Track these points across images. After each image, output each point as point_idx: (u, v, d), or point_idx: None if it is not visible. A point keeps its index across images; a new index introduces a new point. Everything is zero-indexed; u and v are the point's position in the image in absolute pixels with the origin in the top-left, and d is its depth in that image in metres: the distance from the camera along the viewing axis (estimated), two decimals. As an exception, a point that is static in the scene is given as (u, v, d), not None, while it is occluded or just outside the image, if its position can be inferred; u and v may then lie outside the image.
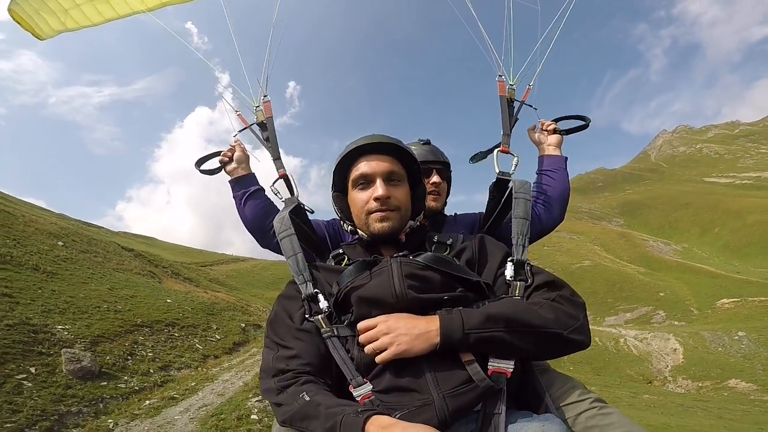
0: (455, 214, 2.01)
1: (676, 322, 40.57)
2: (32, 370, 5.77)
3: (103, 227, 36.85)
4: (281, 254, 1.63)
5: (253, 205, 1.81)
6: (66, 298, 9.15)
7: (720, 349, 27.14)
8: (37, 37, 2.44)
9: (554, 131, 1.93)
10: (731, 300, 42.29)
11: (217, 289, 26.66)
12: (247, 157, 1.94)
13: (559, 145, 1.92)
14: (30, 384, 5.45)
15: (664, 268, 59.29)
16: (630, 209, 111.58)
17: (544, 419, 1.11)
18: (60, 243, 14.29)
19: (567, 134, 1.95)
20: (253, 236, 1.82)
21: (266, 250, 1.83)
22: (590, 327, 1.24)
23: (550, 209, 1.78)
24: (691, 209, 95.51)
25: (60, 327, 7.47)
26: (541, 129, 1.96)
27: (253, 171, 1.94)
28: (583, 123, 1.94)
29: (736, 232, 75.72)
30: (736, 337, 28.00)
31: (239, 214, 1.84)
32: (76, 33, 2.48)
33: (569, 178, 1.86)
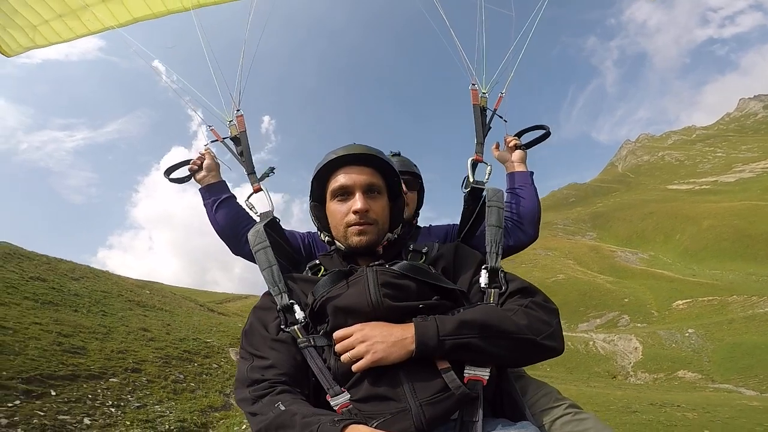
0: (430, 225, 2.04)
1: (639, 324, 42.63)
2: (223, 360, 10.53)
3: (121, 275, 40.49)
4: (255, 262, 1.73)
5: (224, 212, 1.82)
6: (192, 326, 13.81)
7: (673, 345, 29.65)
8: (3, 54, 2.42)
9: (516, 147, 1.93)
10: (684, 301, 45.47)
11: (245, 321, 31.00)
12: (218, 165, 1.95)
13: (523, 161, 1.91)
14: (229, 366, 10.19)
15: (629, 276, 61.63)
16: (600, 222, 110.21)
17: (520, 426, 1.13)
18: (147, 291, 18.79)
19: (528, 148, 1.95)
20: (226, 243, 1.84)
21: (239, 258, 1.83)
22: (564, 333, 1.24)
23: (522, 227, 1.78)
24: (655, 218, 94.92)
25: (208, 340, 12.17)
26: (506, 146, 1.97)
27: (223, 179, 1.94)
28: (544, 132, 1.95)
29: (693, 237, 76.90)
30: (687, 334, 30.82)
31: (211, 221, 1.84)
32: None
33: (538, 192, 1.84)
